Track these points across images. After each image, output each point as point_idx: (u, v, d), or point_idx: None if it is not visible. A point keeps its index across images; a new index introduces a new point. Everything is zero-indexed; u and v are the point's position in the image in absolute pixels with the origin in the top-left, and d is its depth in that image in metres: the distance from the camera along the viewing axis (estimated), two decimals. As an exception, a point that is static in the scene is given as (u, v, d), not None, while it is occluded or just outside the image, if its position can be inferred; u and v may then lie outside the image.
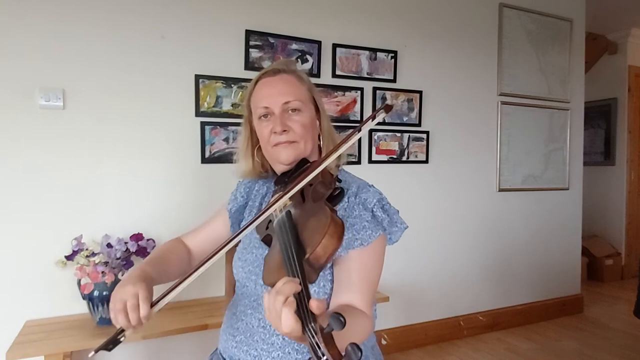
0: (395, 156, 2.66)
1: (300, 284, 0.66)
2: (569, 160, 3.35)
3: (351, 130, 0.89)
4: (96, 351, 0.77)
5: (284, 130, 0.97)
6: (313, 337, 0.61)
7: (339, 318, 0.58)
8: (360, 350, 0.56)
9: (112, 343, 0.79)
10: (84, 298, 1.74)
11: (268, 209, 0.84)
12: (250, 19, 2.23)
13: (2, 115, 1.79)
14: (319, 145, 1.05)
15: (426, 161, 2.76)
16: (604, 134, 4.59)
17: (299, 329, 0.62)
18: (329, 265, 0.81)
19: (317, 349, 0.60)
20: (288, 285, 0.64)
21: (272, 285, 0.72)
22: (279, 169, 1.03)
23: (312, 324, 0.62)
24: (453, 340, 2.86)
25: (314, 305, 0.62)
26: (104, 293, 1.71)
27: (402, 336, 2.70)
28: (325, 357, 0.58)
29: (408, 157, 2.70)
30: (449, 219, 2.87)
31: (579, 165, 3.43)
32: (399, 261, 2.68)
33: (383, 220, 0.93)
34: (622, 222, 4.45)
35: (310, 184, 0.87)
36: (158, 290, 0.85)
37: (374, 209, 0.93)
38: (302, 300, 0.64)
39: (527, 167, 3.17)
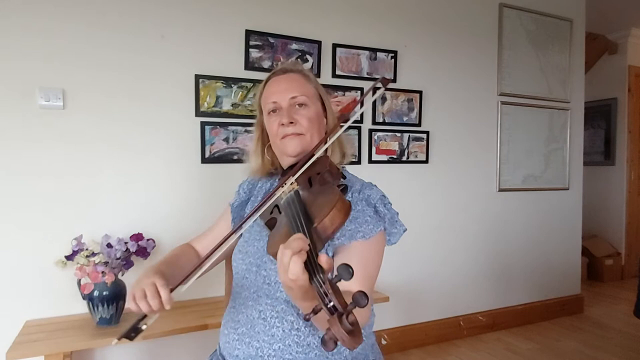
0: (395, 156, 2.66)
1: (308, 243, 0.69)
2: (569, 160, 3.35)
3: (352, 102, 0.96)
4: (119, 339, 0.80)
5: (291, 122, 1.01)
6: (321, 286, 0.63)
7: (348, 269, 0.61)
8: (367, 297, 0.57)
9: (134, 331, 0.81)
10: (84, 298, 1.74)
11: (276, 190, 0.88)
12: (250, 19, 2.23)
13: (2, 115, 1.79)
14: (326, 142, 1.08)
15: (426, 161, 2.76)
16: (604, 134, 4.59)
17: (305, 279, 0.65)
18: (334, 237, 0.86)
19: (325, 296, 0.62)
20: (296, 242, 0.68)
21: (276, 255, 0.74)
22: (286, 162, 1.07)
23: (321, 275, 0.65)
24: (453, 340, 2.86)
25: (323, 259, 0.66)
26: (104, 293, 1.71)
27: (402, 336, 2.70)
28: (332, 303, 0.60)
29: (408, 157, 2.70)
30: (449, 219, 2.87)
31: (579, 165, 3.43)
32: (399, 261, 2.68)
33: (385, 216, 0.96)
34: (622, 222, 4.45)
35: (317, 172, 0.91)
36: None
37: (377, 205, 0.96)
38: (310, 254, 0.68)
39: (527, 167, 3.17)
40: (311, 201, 0.83)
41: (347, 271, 0.61)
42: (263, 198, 0.90)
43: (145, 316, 0.82)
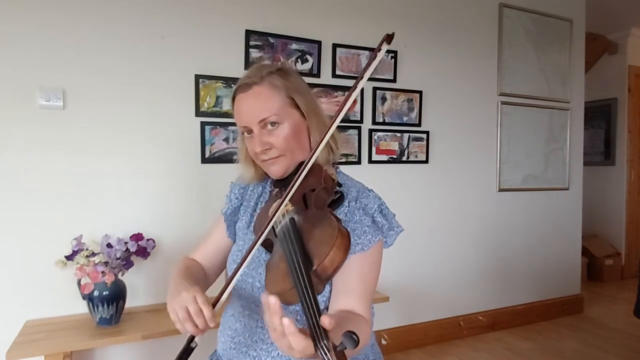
0: (395, 156, 2.66)
1: (309, 298, 0.65)
2: (569, 160, 3.35)
3: (354, 83, 0.84)
4: None
5: (266, 149, 0.96)
6: (326, 354, 0.59)
7: (352, 336, 0.57)
8: None
9: (186, 353, 0.81)
10: (84, 298, 1.74)
11: (272, 217, 0.84)
12: (250, 19, 2.23)
13: (2, 115, 1.79)
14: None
15: (426, 161, 2.76)
16: (604, 134, 4.59)
17: (311, 348, 0.61)
18: (335, 275, 0.79)
19: None
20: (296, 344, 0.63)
21: (277, 294, 0.71)
22: (275, 178, 1.03)
23: (325, 342, 0.60)
24: (453, 340, 2.86)
25: (325, 321, 0.61)
26: (104, 293, 1.72)
27: (402, 336, 2.70)
28: None
29: (408, 157, 2.70)
30: (449, 219, 2.87)
31: (579, 165, 3.43)
32: (399, 261, 2.68)
33: (383, 226, 0.94)
34: (622, 222, 4.45)
35: (312, 189, 0.87)
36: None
37: (375, 215, 0.93)
38: (312, 317, 0.63)
39: (527, 167, 3.17)
40: (308, 233, 0.78)
41: (351, 340, 0.57)
42: (261, 227, 0.85)
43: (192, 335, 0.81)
